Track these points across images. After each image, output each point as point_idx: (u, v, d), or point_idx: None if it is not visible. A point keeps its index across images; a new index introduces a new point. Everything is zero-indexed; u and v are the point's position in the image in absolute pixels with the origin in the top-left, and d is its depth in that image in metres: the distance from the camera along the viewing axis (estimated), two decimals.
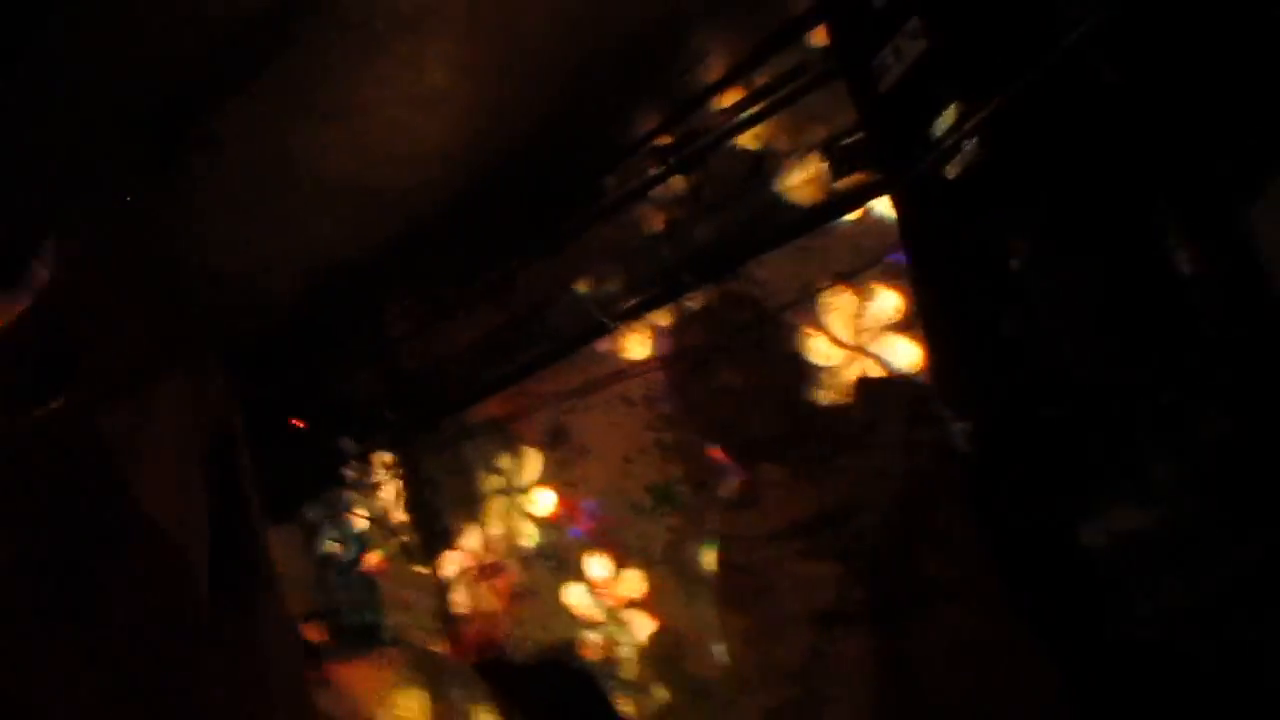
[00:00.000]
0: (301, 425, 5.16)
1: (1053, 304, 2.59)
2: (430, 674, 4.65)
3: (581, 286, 4.57)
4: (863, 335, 3.80)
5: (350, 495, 5.63)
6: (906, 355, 3.62)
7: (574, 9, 3.30)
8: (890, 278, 3.63)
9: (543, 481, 4.94)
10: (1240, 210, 2.02)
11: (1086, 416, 2.41)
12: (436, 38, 3.22)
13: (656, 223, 4.32)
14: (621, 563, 4.68)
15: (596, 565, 4.75)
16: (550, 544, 4.91)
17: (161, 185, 3.40)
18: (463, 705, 4.29)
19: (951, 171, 2.83)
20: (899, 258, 3.49)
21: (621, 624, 4.69)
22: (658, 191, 4.29)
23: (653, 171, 4.12)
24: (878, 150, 3.20)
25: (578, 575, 4.81)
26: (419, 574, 5.31)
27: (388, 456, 5.39)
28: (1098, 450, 2.48)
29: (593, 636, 4.77)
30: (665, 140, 4.06)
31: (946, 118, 2.79)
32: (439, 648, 5.04)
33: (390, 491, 5.49)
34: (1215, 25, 2.05)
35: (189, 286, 4.00)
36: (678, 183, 4.21)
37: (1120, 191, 2.30)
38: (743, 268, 4.07)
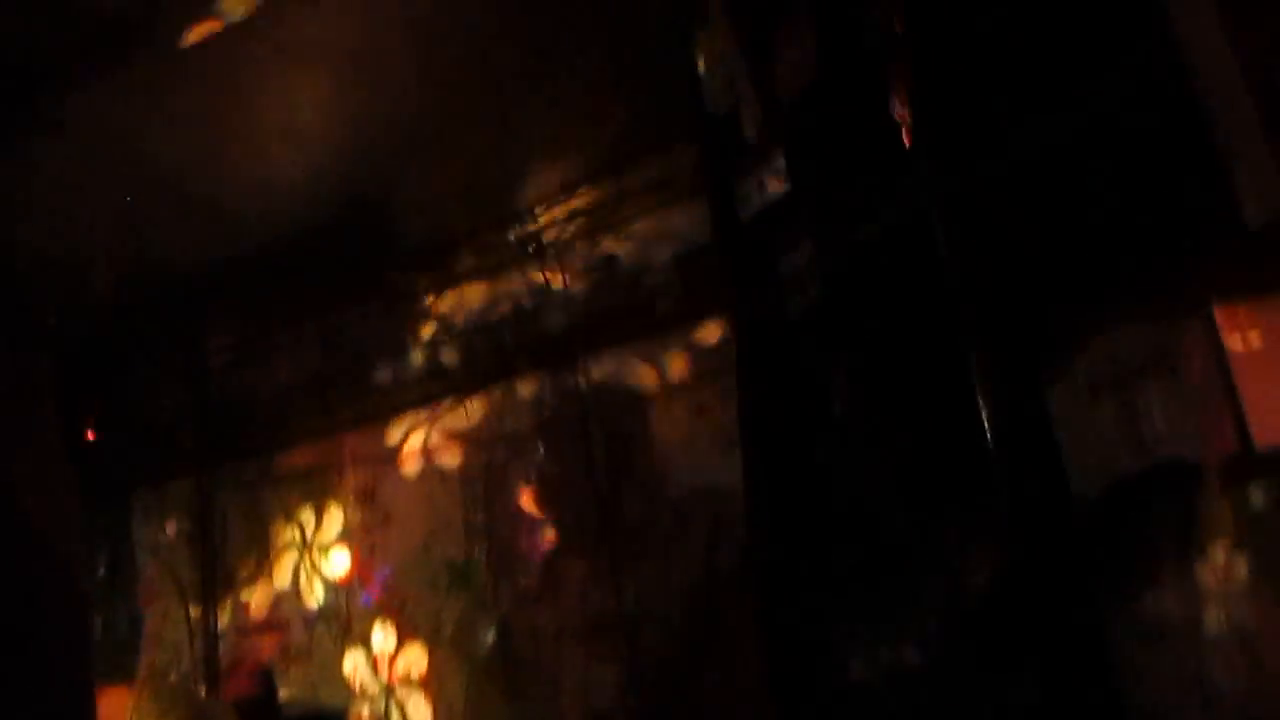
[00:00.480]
0: (92, 437, 4.87)
1: (864, 443, 2.68)
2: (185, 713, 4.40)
3: (415, 351, 4.51)
4: (687, 447, 3.85)
5: (135, 520, 5.33)
6: (725, 473, 3.68)
7: (450, 70, 3.31)
8: (722, 394, 3.70)
9: (340, 541, 4.78)
10: (1043, 387, 2.16)
11: (873, 554, 2.49)
12: (313, 76, 3.19)
13: (503, 302, 4.33)
14: (407, 637, 4.55)
15: (380, 636, 4.61)
16: (336, 607, 4.73)
17: None
18: None
19: (792, 307, 2.93)
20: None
21: (397, 700, 4.54)
22: (508, 274, 4.31)
23: (505, 254, 4.14)
24: (728, 274, 3.29)
25: (360, 643, 4.64)
26: (190, 617, 5.03)
27: (182, 486, 5.13)
28: (877, 587, 2.56)
29: (365, 709, 4.59)
30: (524, 227, 4.10)
31: (796, 257, 2.90)
32: (199, 690, 4.77)
33: (177, 525, 5.22)
34: (1044, 215, 2.21)
35: (14, 267, 3.79)
36: (530, 268, 4.25)
37: (940, 347, 2.42)
38: (580, 361, 4.11)
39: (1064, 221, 2.16)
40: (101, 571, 5.30)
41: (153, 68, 3.14)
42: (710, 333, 3.73)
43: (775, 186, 3.09)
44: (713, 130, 3.46)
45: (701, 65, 3.21)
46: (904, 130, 2.42)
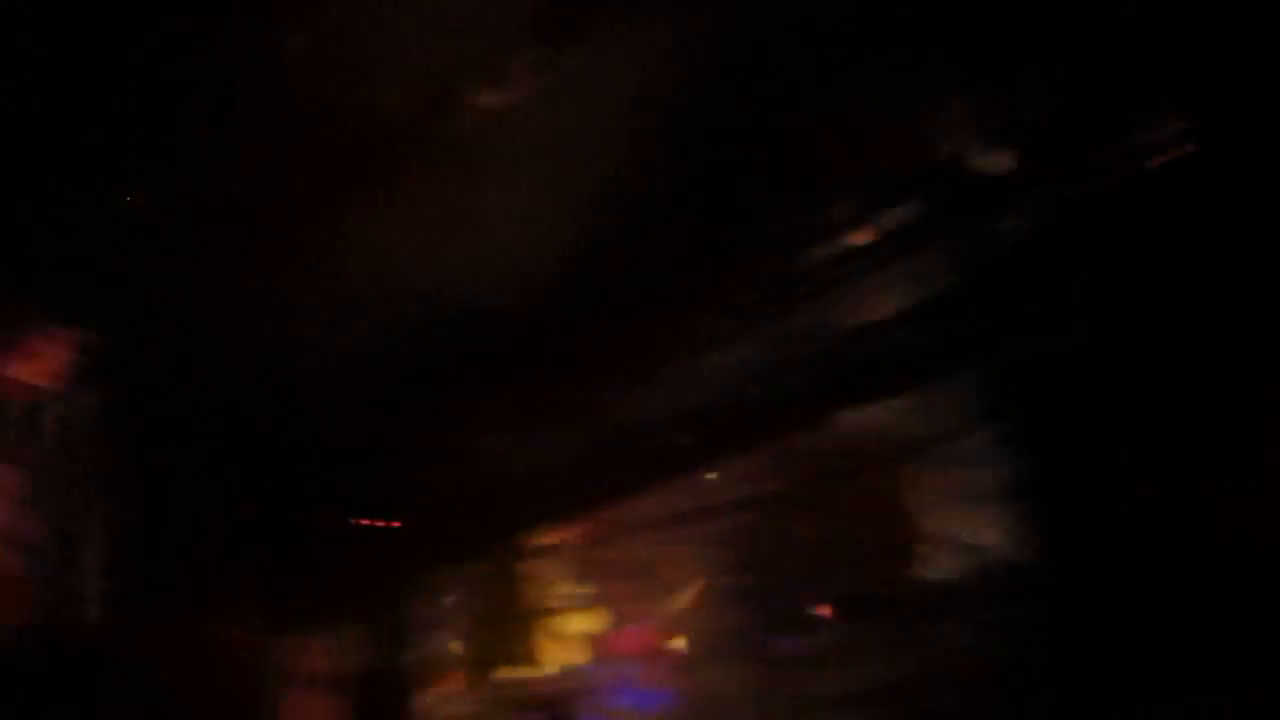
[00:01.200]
0: (370, 524, 5.12)
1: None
2: None
3: (667, 417, 4.49)
4: (949, 504, 3.64)
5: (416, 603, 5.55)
6: (997, 529, 3.45)
7: (683, 144, 3.29)
8: (988, 445, 3.47)
9: (608, 613, 4.82)
10: None
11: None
12: (540, 162, 3.24)
13: (756, 362, 4.24)
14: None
15: None
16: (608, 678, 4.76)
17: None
18: None
19: (1062, 345, 2.74)
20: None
21: None
22: (761, 332, 4.23)
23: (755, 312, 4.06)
24: (985, 316, 3.11)
25: None
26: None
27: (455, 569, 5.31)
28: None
29: None
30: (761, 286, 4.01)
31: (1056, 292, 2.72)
32: None
33: (454, 605, 5.41)
34: None
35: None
36: (780, 325, 4.14)
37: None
38: (835, 417, 3.96)
39: None
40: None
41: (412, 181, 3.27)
42: (964, 381, 3.51)
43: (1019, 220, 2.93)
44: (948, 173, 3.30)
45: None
46: None
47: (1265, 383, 2.30)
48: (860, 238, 3.68)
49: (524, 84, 3.00)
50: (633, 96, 3.07)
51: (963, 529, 3.60)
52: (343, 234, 3.38)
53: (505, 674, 5.12)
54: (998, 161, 2.95)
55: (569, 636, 4.94)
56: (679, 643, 4.53)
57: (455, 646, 5.37)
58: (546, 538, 5.05)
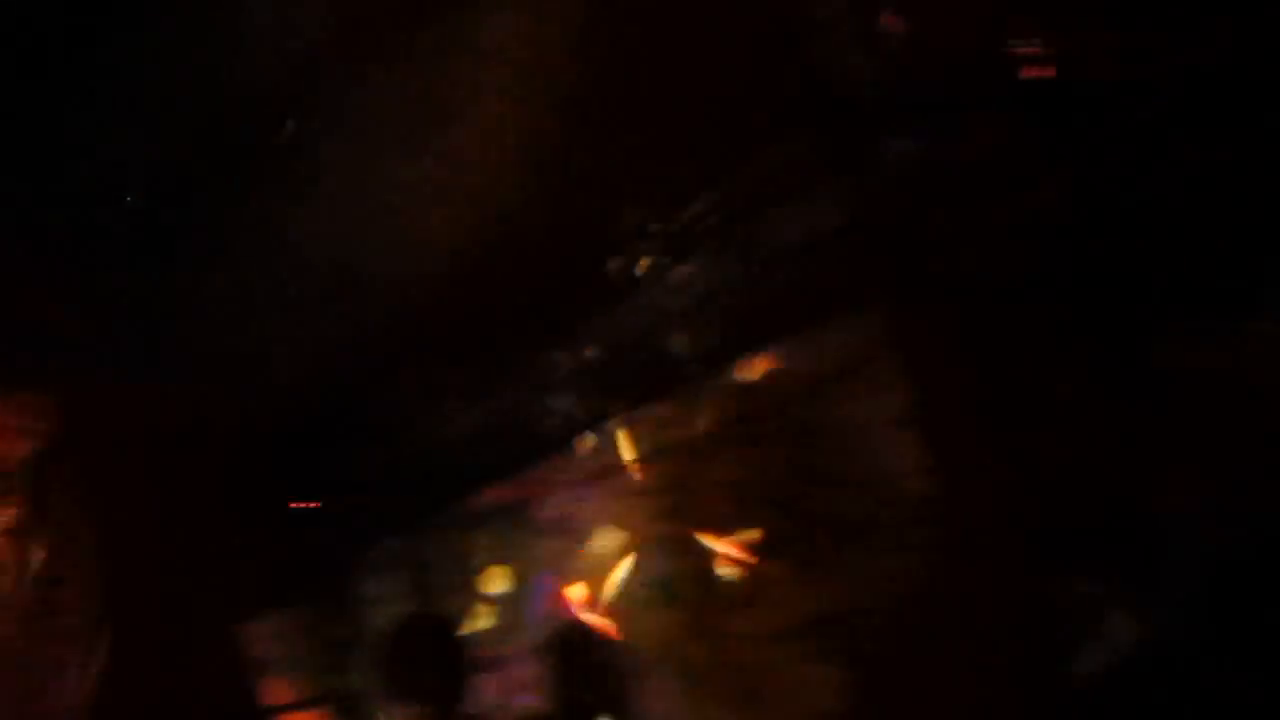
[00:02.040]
0: (308, 506, 5.11)
1: (1064, 410, 2.54)
2: None
3: (584, 378, 4.53)
4: (865, 431, 3.72)
5: (360, 579, 5.58)
6: (908, 453, 3.54)
7: (573, 103, 3.30)
8: (893, 373, 3.56)
9: (546, 571, 4.86)
10: None
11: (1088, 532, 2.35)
12: (436, 131, 3.23)
13: (662, 312, 4.29)
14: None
15: None
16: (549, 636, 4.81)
17: (161, 269, 3.43)
18: None
19: (948, 273, 2.79)
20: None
21: None
22: (663, 280, 4.27)
23: (657, 260, 4.09)
24: (875, 247, 3.16)
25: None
26: None
27: (394, 542, 5.35)
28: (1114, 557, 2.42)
29: None
30: (669, 226, 4.04)
31: (957, 222, 2.77)
32: None
33: (397, 576, 5.44)
34: None
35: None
36: (683, 272, 4.19)
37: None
38: (747, 359, 4.03)
39: None
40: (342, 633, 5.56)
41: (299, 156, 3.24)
42: (874, 311, 3.57)
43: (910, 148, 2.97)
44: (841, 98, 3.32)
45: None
46: None
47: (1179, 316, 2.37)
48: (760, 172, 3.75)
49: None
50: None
51: (879, 460, 3.69)
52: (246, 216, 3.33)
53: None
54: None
55: (501, 596, 5.00)
56: (607, 593, 4.59)
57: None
58: (480, 502, 5.08)
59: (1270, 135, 2.14)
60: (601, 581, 4.66)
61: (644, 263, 4.06)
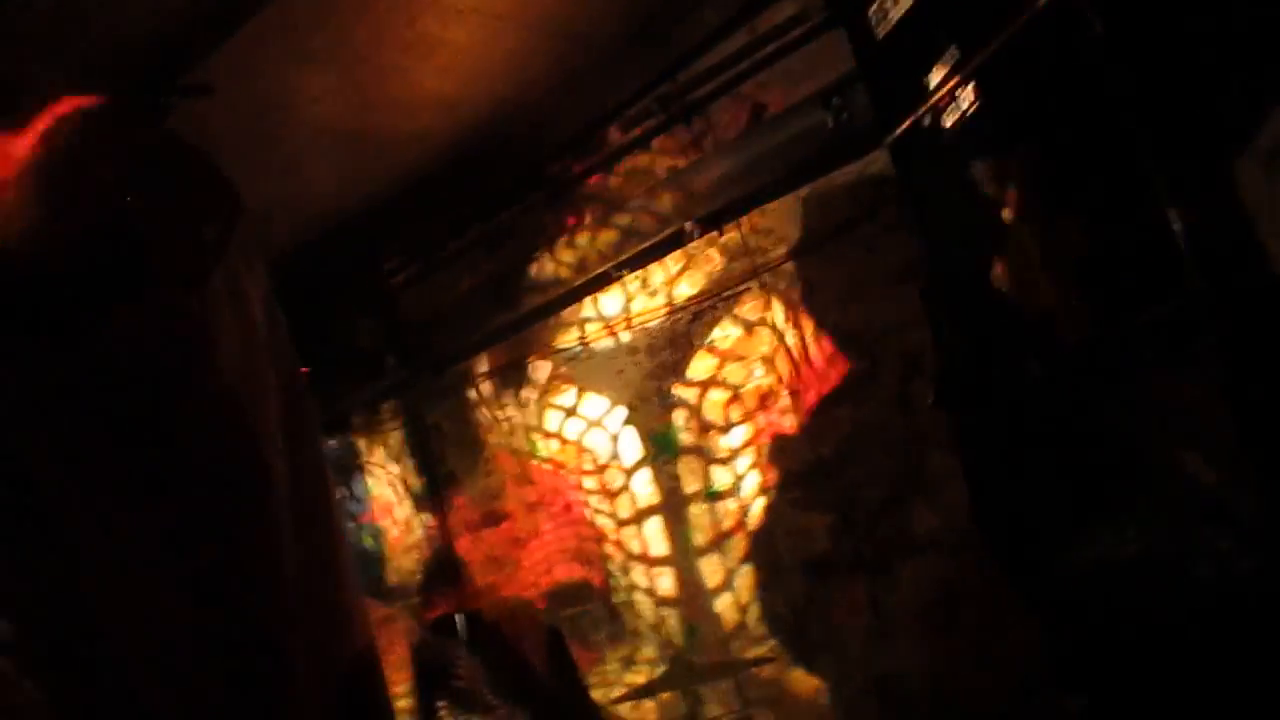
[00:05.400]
0: (305, 371, 5.15)
1: (1041, 255, 2.57)
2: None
3: (582, 236, 4.56)
4: (861, 287, 3.77)
5: (358, 444, 5.68)
6: (904, 307, 3.60)
7: None
8: (889, 229, 3.60)
9: (546, 429, 4.96)
10: (1226, 163, 1.99)
11: (1067, 374, 2.41)
12: None
13: (659, 172, 4.29)
14: (624, 509, 4.71)
15: (597, 513, 4.79)
16: (554, 489, 4.94)
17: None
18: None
19: (947, 120, 2.80)
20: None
21: (625, 570, 4.73)
22: (659, 141, 4.27)
23: (653, 122, 4.09)
24: (875, 100, 3.16)
25: (579, 521, 4.85)
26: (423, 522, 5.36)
27: (392, 405, 5.43)
28: (1071, 409, 2.48)
29: (596, 582, 4.81)
30: (666, 89, 4.03)
31: (941, 66, 2.76)
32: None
33: (395, 440, 5.53)
34: None
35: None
36: (679, 133, 4.19)
37: (1108, 142, 2.27)
38: (744, 216, 4.05)
39: None
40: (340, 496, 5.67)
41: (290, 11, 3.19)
42: (872, 166, 3.59)
43: None
44: None
45: None
46: None
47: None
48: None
49: None
50: None
51: (868, 310, 3.76)
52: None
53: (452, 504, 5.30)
54: None
55: (511, 457, 5.11)
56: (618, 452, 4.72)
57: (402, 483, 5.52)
58: (473, 366, 5.15)
59: None
60: (600, 441, 4.77)
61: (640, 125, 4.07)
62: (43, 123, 1.41)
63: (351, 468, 5.68)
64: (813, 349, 3.99)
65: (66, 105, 1.44)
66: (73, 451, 1.33)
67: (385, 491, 5.61)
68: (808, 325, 3.99)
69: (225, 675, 1.37)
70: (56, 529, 1.34)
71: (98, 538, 1.35)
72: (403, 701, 4.11)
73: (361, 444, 5.68)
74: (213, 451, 1.37)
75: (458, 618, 4.29)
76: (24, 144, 1.42)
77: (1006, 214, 2.66)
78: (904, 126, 2.95)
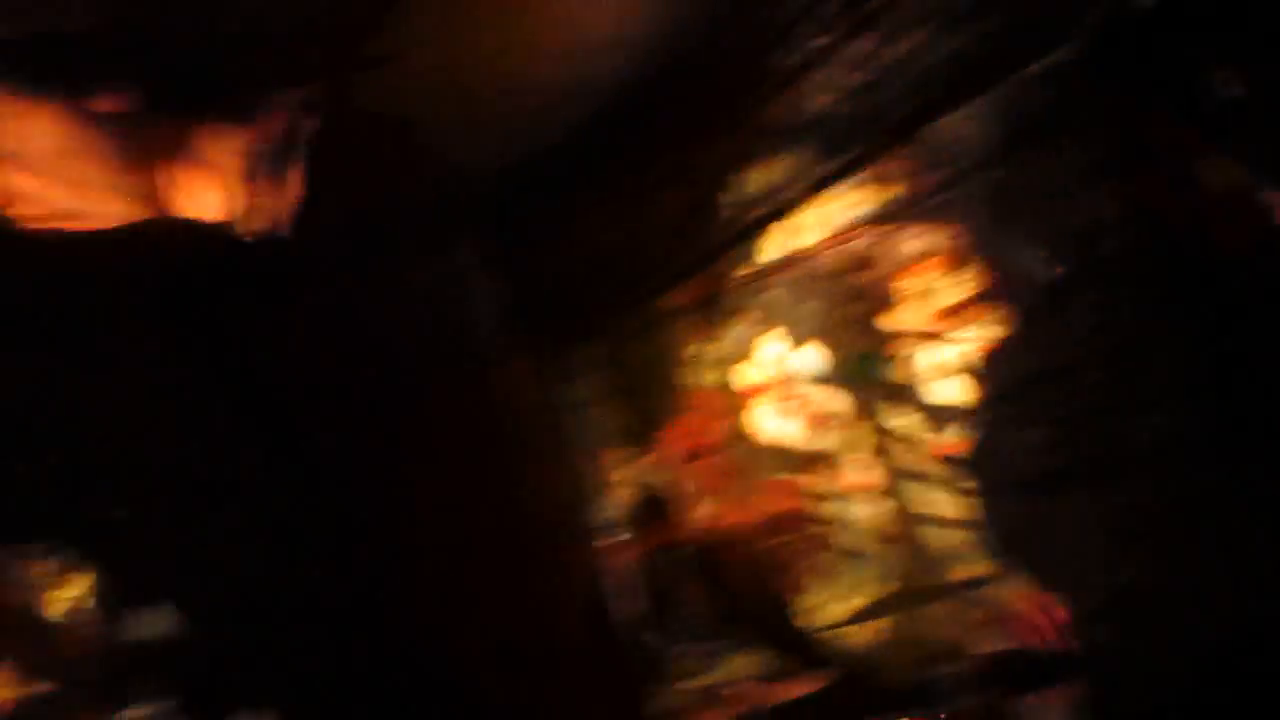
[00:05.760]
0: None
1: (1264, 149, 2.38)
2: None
3: (765, 164, 4.48)
4: (1055, 185, 3.57)
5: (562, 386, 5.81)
6: (1109, 210, 3.39)
7: None
8: (1086, 129, 3.38)
9: (744, 360, 4.97)
10: None
11: None
12: None
13: (833, 91, 4.17)
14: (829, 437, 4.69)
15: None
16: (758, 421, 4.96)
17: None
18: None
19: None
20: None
21: (842, 500, 4.71)
22: (838, 55, 4.14)
23: (822, 39, 3.96)
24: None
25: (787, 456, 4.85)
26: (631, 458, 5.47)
27: (589, 348, 5.52)
28: None
29: (811, 514, 4.81)
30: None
31: None
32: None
33: (596, 382, 5.64)
34: None
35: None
36: (858, 44, 4.04)
37: None
38: (926, 130, 3.90)
39: None
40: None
41: None
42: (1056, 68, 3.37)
43: None
44: None
45: None
46: None
47: None
48: None
49: None
50: None
51: (1066, 213, 3.56)
52: None
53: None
54: None
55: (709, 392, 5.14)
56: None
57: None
58: (668, 303, 5.18)
59: None
60: (799, 368, 4.74)
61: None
62: (276, 117, 1.47)
63: (560, 407, 5.83)
64: (1013, 259, 3.82)
65: (294, 97, 1.50)
66: (356, 421, 1.41)
67: (593, 430, 5.75)
68: (1004, 235, 3.81)
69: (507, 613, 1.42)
70: (341, 500, 1.42)
71: (377, 508, 1.43)
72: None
73: (566, 385, 5.82)
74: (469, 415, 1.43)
75: (679, 549, 4.38)
76: (255, 136, 1.49)
77: (1217, 101, 2.47)
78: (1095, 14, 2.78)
